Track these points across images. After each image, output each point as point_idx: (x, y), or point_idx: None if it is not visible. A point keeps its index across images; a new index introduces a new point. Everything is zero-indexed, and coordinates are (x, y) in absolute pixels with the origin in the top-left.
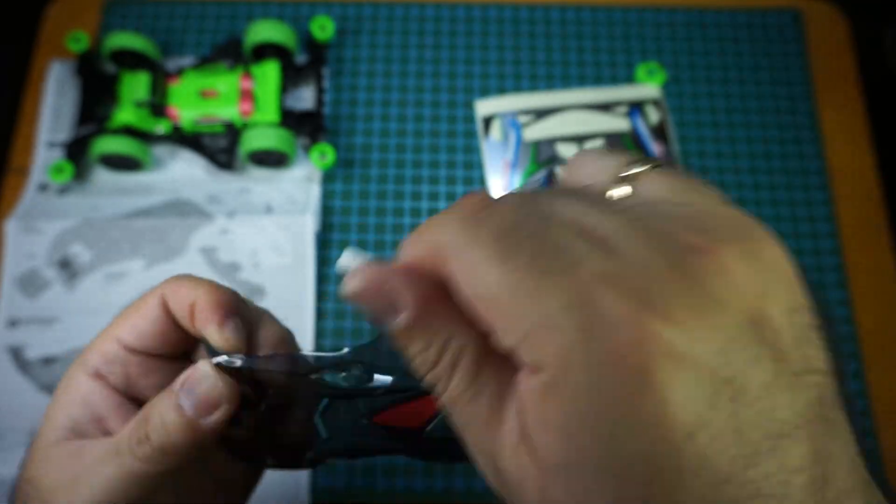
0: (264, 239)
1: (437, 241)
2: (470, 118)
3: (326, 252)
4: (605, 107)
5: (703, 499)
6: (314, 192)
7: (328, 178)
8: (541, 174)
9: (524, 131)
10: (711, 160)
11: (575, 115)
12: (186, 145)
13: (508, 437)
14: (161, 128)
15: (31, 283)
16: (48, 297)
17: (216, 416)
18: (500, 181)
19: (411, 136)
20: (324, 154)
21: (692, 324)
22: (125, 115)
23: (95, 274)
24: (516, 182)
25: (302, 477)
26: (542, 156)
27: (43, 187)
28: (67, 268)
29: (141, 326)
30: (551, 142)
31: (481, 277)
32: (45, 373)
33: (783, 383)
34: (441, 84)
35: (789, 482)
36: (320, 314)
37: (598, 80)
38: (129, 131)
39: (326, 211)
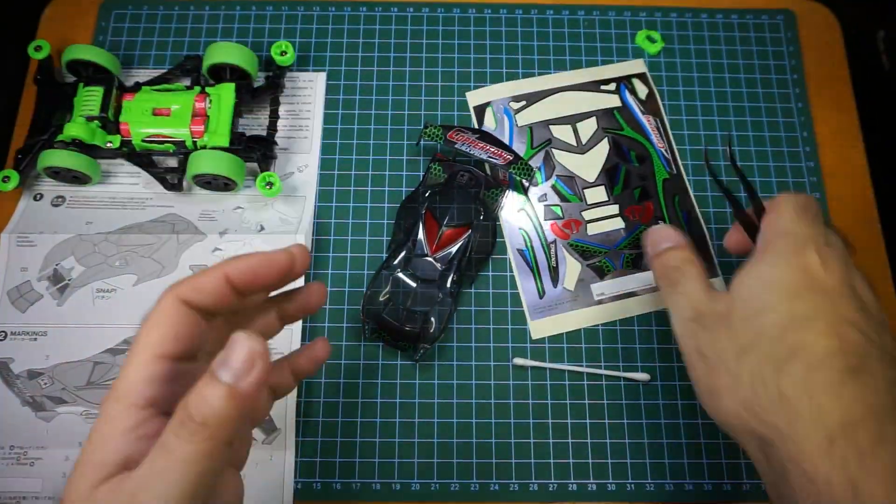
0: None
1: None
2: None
3: (319, 272)
4: (593, 85)
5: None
6: (308, 211)
7: (323, 196)
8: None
9: (517, 117)
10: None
11: (565, 97)
12: (136, 162)
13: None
14: (111, 143)
15: (21, 297)
16: (37, 310)
17: (254, 376)
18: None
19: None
20: (270, 182)
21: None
22: (75, 128)
23: (85, 289)
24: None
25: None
26: (538, 139)
27: (37, 197)
28: (58, 282)
29: (175, 333)
30: (545, 124)
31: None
32: (29, 387)
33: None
34: (434, 89)
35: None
36: (306, 334)
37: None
38: (79, 145)
39: (321, 229)
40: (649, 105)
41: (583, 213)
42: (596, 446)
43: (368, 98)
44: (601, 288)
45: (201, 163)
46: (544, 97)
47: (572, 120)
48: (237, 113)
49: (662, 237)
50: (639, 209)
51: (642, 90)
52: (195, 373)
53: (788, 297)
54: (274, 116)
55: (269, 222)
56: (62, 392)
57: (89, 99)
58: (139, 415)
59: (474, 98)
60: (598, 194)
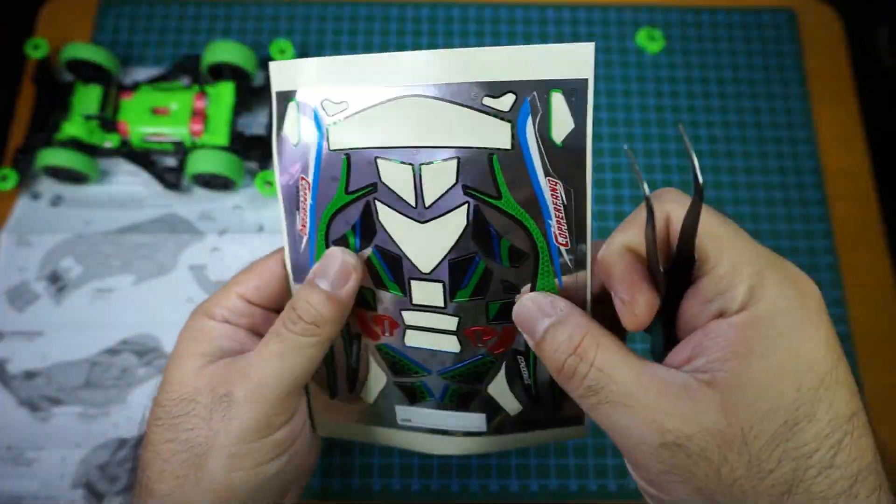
0: (254, 258)
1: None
2: None
3: None
4: (473, 92)
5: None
6: (281, 215)
7: None
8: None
9: (330, 131)
10: (707, 160)
11: (417, 108)
12: (135, 161)
13: (670, 394)
14: (110, 142)
15: (19, 297)
16: (35, 310)
17: (350, 285)
18: (294, 211)
19: None
20: (269, 182)
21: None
22: (73, 127)
23: (84, 289)
24: (317, 224)
25: None
26: (357, 178)
27: (35, 196)
28: (56, 282)
29: (262, 286)
30: (373, 156)
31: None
32: (25, 387)
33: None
34: None
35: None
36: None
37: None
38: (77, 144)
39: None
40: (566, 156)
41: (403, 314)
42: (596, 446)
43: None
44: (409, 413)
45: (200, 162)
46: (379, 103)
47: (416, 157)
48: (236, 112)
49: (533, 313)
50: (490, 333)
51: (563, 122)
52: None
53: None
54: (273, 115)
55: (269, 222)
56: (59, 392)
57: (88, 98)
58: (225, 326)
59: (280, 77)
60: (430, 293)
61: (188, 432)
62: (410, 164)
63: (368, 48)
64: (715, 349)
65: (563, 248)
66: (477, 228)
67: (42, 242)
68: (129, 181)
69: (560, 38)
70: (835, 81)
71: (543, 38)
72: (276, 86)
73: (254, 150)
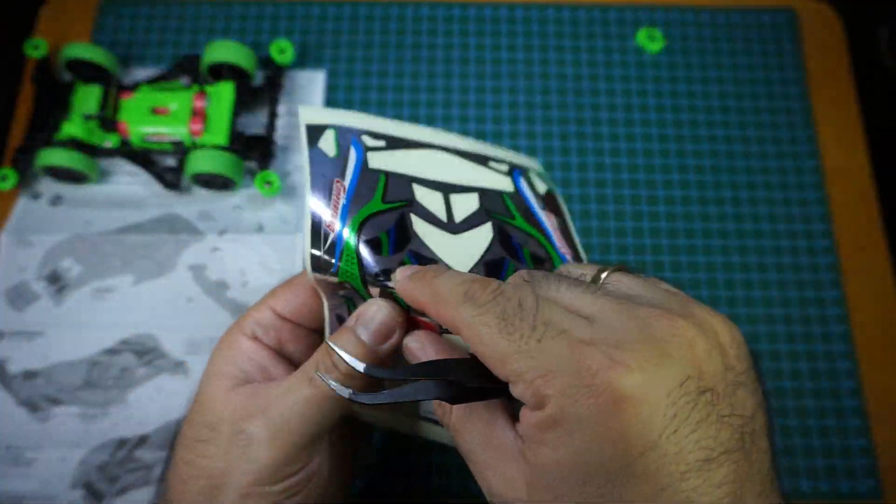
0: (254, 258)
1: (452, 315)
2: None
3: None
4: (480, 159)
5: (646, 499)
6: (307, 210)
7: None
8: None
9: (369, 156)
10: (707, 160)
11: (440, 158)
12: (135, 161)
13: (500, 456)
14: (110, 142)
15: (19, 297)
16: (34, 310)
17: (390, 342)
18: (324, 208)
19: None
20: (269, 181)
21: (650, 373)
22: (73, 127)
23: (83, 289)
24: (347, 218)
25: None
26: (393, 194)
27: (35, 196)
28: (56, 282)
29: (293, 300)
30: (407, 180)
31: (491, 345)
32: (25, 387)
33: (713, 421)
34: (434, 88)
35: (712, 494)
36: None
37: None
38: (76, 144)
39: None
40: (549, 203)
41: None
42: None
43: (368, 97)
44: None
45: (200, 162)
46: (411, 147)
47: (444, 189)
48: (236, 112)
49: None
50: None
51: (539, 185)
52: (300, 332)
53: None
54: (273, 115)
55: (269, 222)
56: (59, 392)
57: (88, 98)
58: (252, 344)
59: (309, 114)
60: None
61: (206, 459)
62: (441, 192)
63: (368, 48)
64: None
65: (566, 256)
66: (502, 237)
67: (42, 242)
68: (129, 181)
69: (559, 38)
70: (835, 81)
71: (543, 38)
72: (308, 121)
73: (253, 149)
